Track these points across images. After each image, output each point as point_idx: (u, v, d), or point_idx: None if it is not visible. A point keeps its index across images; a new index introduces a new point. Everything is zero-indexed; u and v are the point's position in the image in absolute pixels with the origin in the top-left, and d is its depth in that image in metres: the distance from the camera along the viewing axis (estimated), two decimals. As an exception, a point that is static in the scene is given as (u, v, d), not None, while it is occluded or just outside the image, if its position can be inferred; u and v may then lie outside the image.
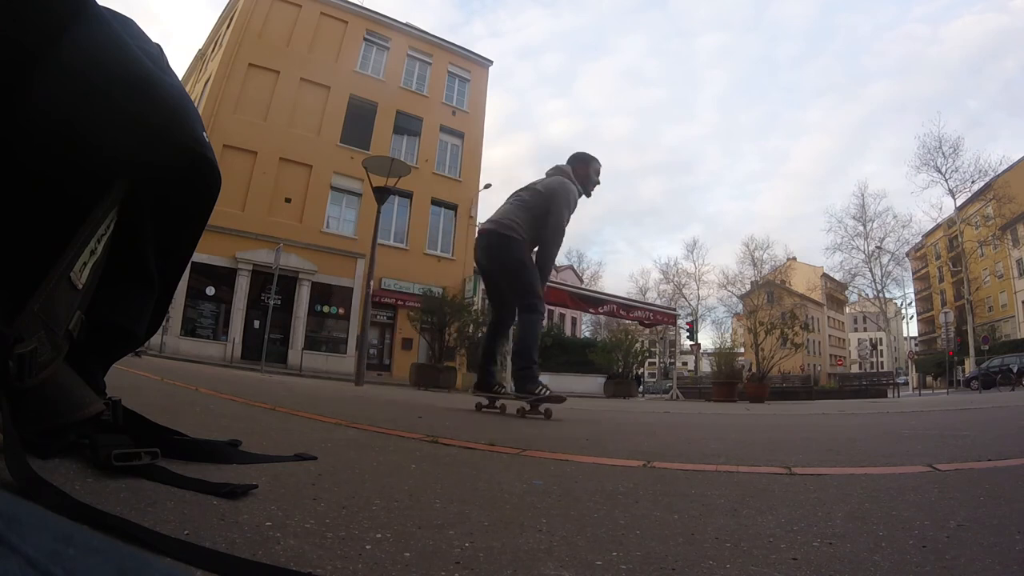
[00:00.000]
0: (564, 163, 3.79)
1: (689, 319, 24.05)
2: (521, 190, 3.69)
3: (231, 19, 19.31)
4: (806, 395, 18.88)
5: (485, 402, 3.55)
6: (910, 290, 40.60)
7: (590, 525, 0.83)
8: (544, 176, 3.76)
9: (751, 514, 0.93)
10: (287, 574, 0.54)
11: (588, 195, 3.80)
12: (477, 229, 3.72)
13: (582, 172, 3.75)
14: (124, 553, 0.24)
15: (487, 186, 22.95)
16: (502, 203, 3.72)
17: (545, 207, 3.50)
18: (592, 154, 3.83)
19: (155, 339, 12.71)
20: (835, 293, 50.80)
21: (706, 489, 1.14)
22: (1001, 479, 1.23)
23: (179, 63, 26.17)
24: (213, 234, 14.75)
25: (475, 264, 3.90)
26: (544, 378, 3.54)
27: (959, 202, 30.38)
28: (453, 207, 21.63)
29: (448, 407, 3.76)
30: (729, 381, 12.28)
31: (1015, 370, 20.53)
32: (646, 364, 32.09)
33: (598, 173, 3.85)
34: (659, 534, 0.80)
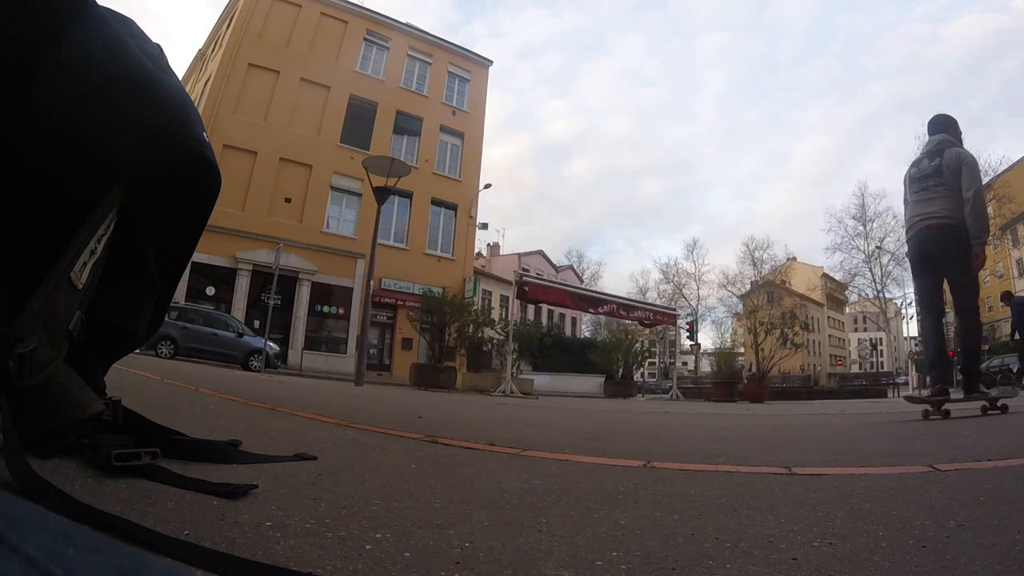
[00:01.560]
0: (946, 119, 3.47)
1: (689, 319, 24.09)
2: (932, 175, 3.35)
3: (231, 19, 19.30)
4: (806, 395, 18.93)
5: (934, 411, 3.13)
6: (910, 290, 40.49)
7: (590, 525, 0.83)
8: (928, 135, 3.47)
9: (751, 514, 0.92)
10: (287, 574, 0.54)
11: None
12: (926, 224, 3.37)
13: (958, 139, 3.43)
14: (124, 553, 0.24)
15: (487, 186, 22.99)
16: (918, 191, 3.41)
17: (963, 184, 3.22)
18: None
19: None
20: (835, 293, 50.72)
21: (706, 489, 1.14)
22: (1001, 479, 1.23)
23: (179, 63, 26.15)
24: (213, 234, 14.73)
25: (919, 260, 3.52)
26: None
27: (959, 202, 30.33)
28: (453, 207, 21.64)
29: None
30: (729, 381, 12.28)
31: (1015, 370, 20.51)
32: (646, 364, 32.06)
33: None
34: (659, 534, 0.80)
